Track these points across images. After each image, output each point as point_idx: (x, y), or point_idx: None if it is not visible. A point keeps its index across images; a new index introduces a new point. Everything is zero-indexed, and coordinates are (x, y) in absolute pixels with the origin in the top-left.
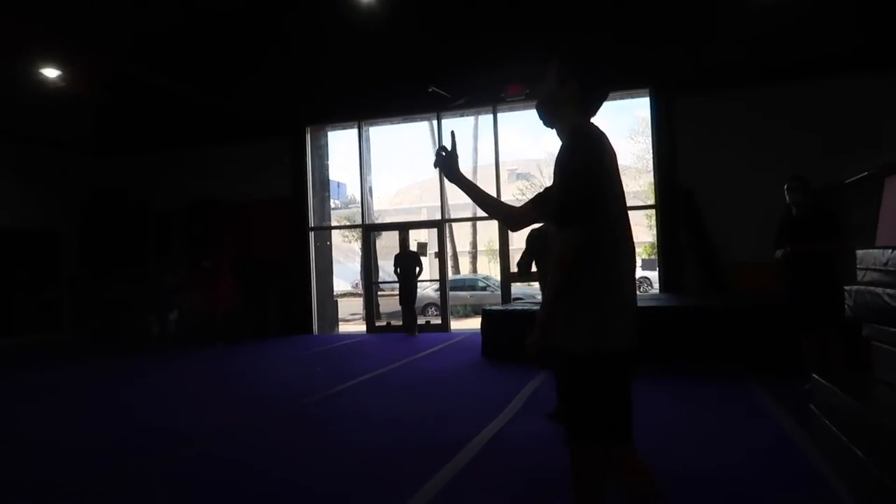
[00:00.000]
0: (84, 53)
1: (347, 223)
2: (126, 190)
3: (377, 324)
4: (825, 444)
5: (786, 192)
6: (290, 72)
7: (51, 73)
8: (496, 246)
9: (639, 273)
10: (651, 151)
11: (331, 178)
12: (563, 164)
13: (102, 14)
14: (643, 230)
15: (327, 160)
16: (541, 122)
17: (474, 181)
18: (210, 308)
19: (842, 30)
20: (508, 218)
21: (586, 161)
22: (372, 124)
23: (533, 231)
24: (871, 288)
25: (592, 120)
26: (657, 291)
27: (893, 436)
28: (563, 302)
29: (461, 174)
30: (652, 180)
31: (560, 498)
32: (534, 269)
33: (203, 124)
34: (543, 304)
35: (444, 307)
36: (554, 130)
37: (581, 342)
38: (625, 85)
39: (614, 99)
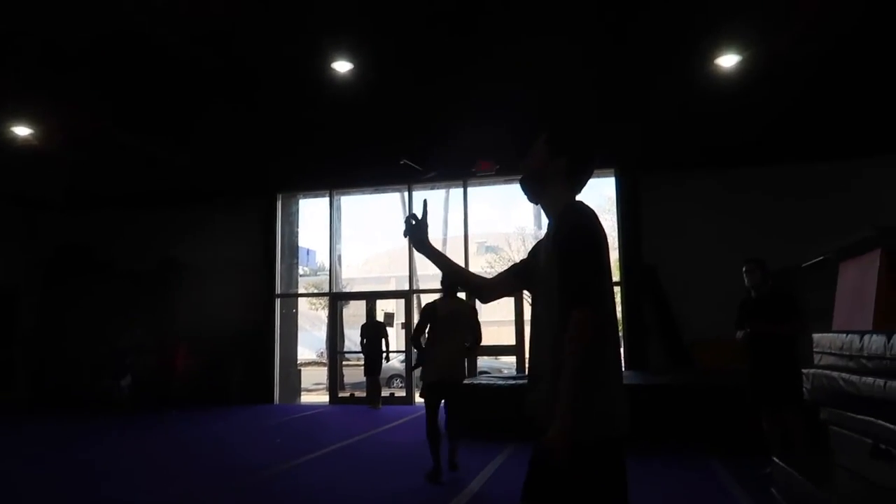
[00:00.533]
0: (58, 111)
1: (315, 290)
2: (91, 247)
3: (340, 395)
4: None
5: (744, 275)
6: (263, 138)
7: (22, 131)
8: None
9: None
10: (616, 229)
11: (300, 244)
12: (571, 243)
13: (78, 72)
14: None
15: (297, 227)
16: (525, 196)
17: (445, 251)
18: (167, 373)
19: (800, 117)
20: (480, 288)
21: (594, 240)
22: (343, 193)
23: (427, 304)
24: (828, 372)
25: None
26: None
27: None
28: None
29: (430, 244)
30: (617, 257)
31: None
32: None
33: (174, 185)
34: (566, 392)
35: (409, 379)
36: (537, 205)
37: (590, 429)
38: None
39: None
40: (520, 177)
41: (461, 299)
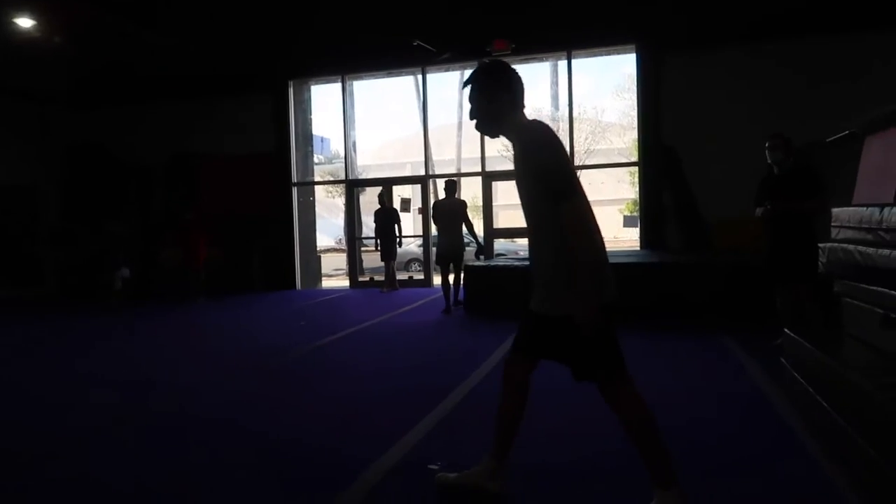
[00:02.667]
0: (60, 2)
1: (331, 178)
2: (104, 144)
3: (360, 279)
4: (795, 397)
5: (766, 151)
6: (272, 24)
7: (25, 22)
8: (480, 202)
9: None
10: (636, 108)
11: (314, 132)
12: (539, 153)
13: None
14: (626, 187)
15: (310, 115)
16: (486, 136)
17: (461, 136)
18: (188, 263)
19: None
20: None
21: (556, 146)
22: (356, 78)
23: (433, 204)
24: (845, 245)
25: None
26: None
27: (859, 389)
28: (558, 271)
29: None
30: (636, 137)
31: (532, 443)
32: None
33: (184, 77)
34: (584, 274)
35: (427, 262)
36: (500, 137)
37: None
38: (611, 41)
39: (600, 55)
40: (475, 125)
41: (456, 198)
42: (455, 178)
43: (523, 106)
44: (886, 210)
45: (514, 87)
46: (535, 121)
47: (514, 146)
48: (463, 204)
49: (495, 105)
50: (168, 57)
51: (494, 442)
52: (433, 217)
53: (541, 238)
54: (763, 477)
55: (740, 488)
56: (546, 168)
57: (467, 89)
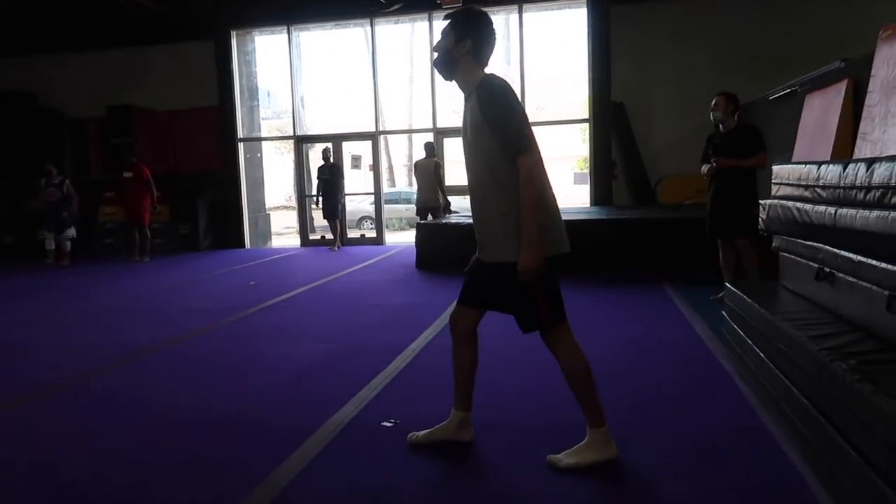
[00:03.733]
0: None
1: (279, 134)
2: (34, 94)
3: (311, 237)
4: (733, 346)
5: (711, 108)
6: None
7: None
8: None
9: (571, 187)
10: (588, 64)
11: (260, 86)
12: (496, 106)
13: None
14: (577, 144)
15: (255, 67)
16: (441, 75)
17: (411, 90)
18: (131, 221)
19: None
20: None
21: (513, 102)
22: (302, 30)
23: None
24: (784, 202)
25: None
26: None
27: (793, 339)
28: (507, 222)
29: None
30: (587, 94)
31: (485, 396)
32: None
33: (120, 25)
34: (527, 224)
35: (378, 220)
36: (453, 82)
37: (547, 250)
38: None
39: (552, 10)
40: (434, 59)
41: (431, 158)
42: (432, 141)
43: (486, 62)
44: (823, 167)
45: (482, 39)
46: (493, 75)
47: (466, 98)
48: (436, 164)
49: (458, 48)
50: (104, 3)
51: (456, 394)
52: (414, 174)
53: (490, 190)
54: (700, 415)
55: (678, 425)
56: (505, 122)
57: (445, 22)
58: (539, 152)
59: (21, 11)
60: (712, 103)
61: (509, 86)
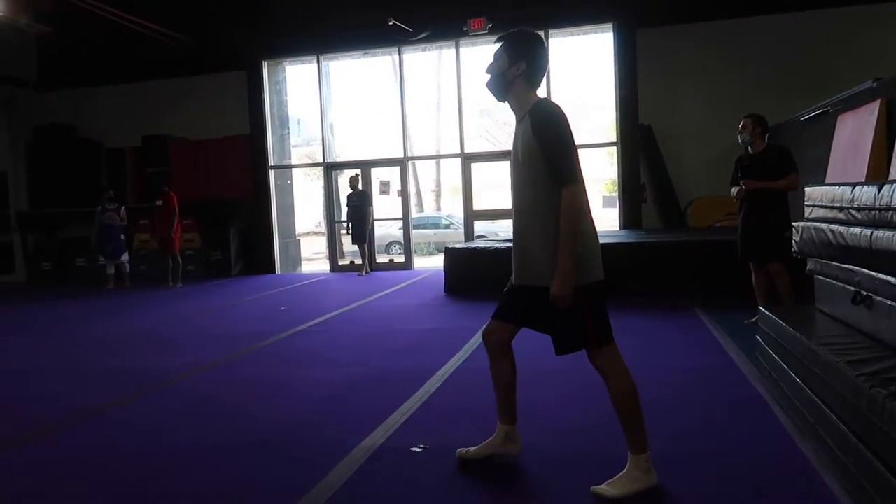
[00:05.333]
0: None
1: (309, 161)
2: (74, 126)
3: (340, 262)
4: (768, 372)
5: (738, 131)
6: (245, 2)
7: None
8: (459, 184)
9: (600, 210)
10: (613, 87)
11: (291, 114)
12: (547, 132)
13: None
14: (605, 167)
15: (286, 96)
16: (493, 96)
17: (439, 117)
18: (162, 248)
19: None
20: None
21: (564, 128)
22: (332, 59)
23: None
24: (817, 224)
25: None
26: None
27: (827, 363)
28: (546, 248)
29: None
30: (614, 116)
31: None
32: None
33: (154, 58)
34: (564, 251)
35: (407, 245)
36: (506, 104)
37: (582, 277)
38: (588, 20)
39: (578, 34)
40: (486, 80)
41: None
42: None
43: (538, 85)
44: (857, 189)
45: (536, 62)
46: (547, 99)
47: (518, 120)
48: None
49: (512, 71)
50: (138, 37)
51: (499, 409)
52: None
53: (538, 212)
54: (737, 442)
55: (715, 453)
56: (554, 147)
57: (498, 44)
58: (583, 181)
59: (61, 47)
60: (740, 125)
61: (562, 111)
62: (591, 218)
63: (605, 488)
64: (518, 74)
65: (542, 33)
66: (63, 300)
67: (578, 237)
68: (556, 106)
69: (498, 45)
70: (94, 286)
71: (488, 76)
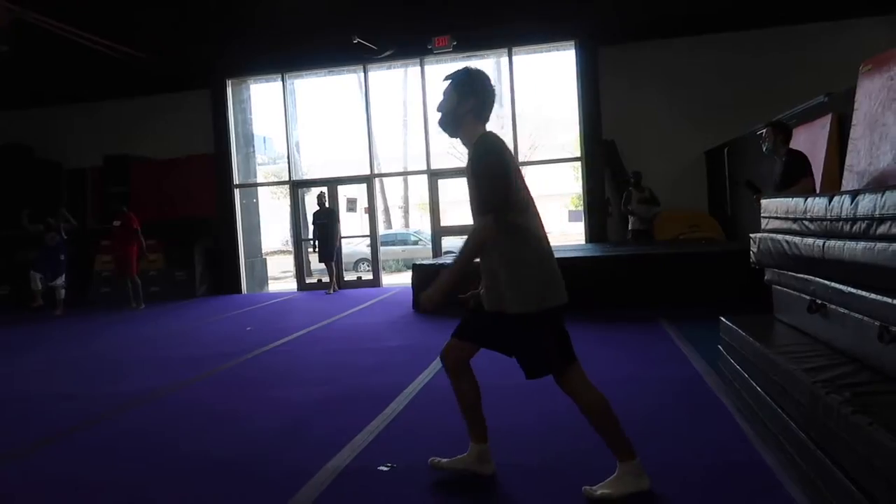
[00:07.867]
0: None
1: (275, 179)
2: (31, 146)
3: (308, 281)
4: (729, 381)
5: (761, 142)
6: (207, 21)
7: None
8: (427, 200)
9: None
10: (577, 103)
11: (256, 132)
12: (475, 167)
13: None
14: (571, 182)
15: (251, 114)
16: (446, 133)
17: (405, 133)
18: (120, 270)
19: None
20: None
21: (492, 161)
22: (297, 77)
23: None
24: (773, 235)
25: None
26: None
27: (785, 371)
28: (508, 271)
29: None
30: (578, 132)
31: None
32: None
33: (116, 77)
34: (453, 268)
35: (375, 262)
36: (458, 139)
37: (531, 303)
38: (551, 38)
39: (542, 52)
40: (438, 119)
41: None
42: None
43: (487, 119)
44: (810, 200)
45: (483, 98)
46: (490, 133)
47: (468, 153)
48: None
49: (461, 108)
50: (99, 56)
51: (468, 428)
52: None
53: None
54: (698, 450)
55: (678, 461)
56: (481, 179)
57: (446, 83)
58: (534, 210)
59: (17, 65)
60: (762, 134)
61: (502, 144)
62: (547, 240)
63: (594, 488)
64: (467, 111)
65: (505, 51)
66: (14, 326)
67: (471, 261)
68: (497, 139)
69: (446, 84)
70: (43, 309)
71: (439, 114)
